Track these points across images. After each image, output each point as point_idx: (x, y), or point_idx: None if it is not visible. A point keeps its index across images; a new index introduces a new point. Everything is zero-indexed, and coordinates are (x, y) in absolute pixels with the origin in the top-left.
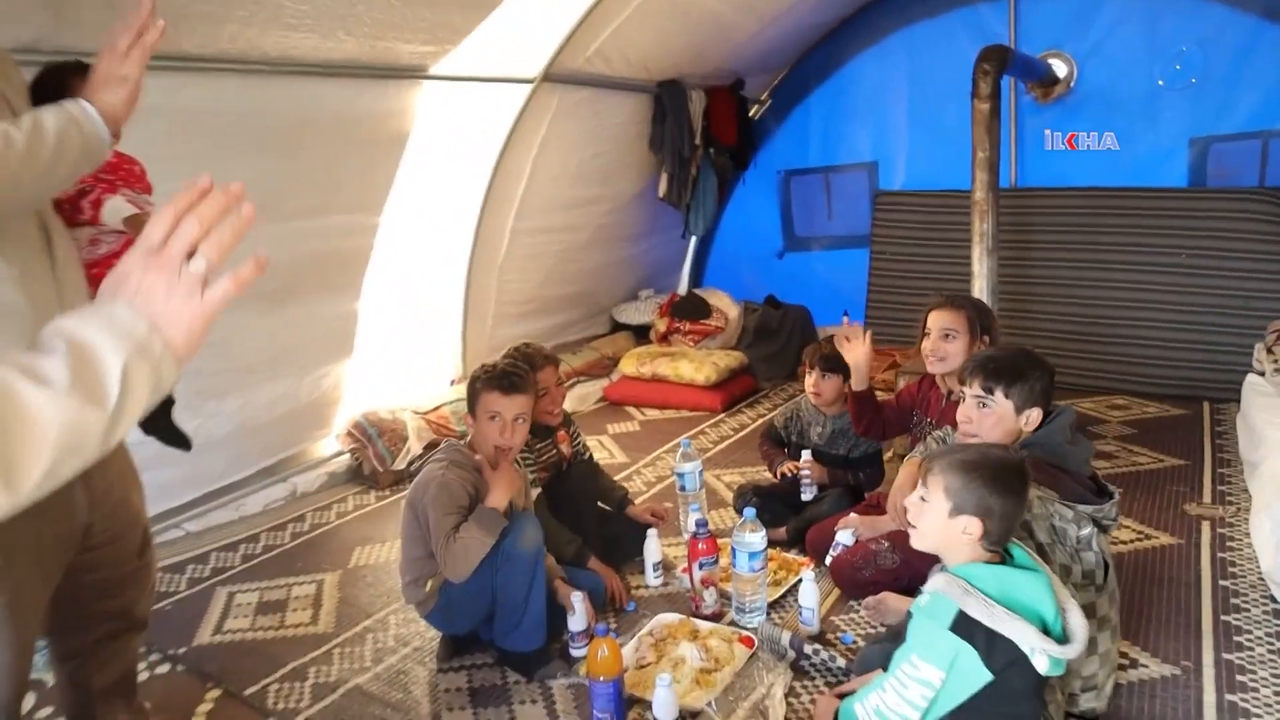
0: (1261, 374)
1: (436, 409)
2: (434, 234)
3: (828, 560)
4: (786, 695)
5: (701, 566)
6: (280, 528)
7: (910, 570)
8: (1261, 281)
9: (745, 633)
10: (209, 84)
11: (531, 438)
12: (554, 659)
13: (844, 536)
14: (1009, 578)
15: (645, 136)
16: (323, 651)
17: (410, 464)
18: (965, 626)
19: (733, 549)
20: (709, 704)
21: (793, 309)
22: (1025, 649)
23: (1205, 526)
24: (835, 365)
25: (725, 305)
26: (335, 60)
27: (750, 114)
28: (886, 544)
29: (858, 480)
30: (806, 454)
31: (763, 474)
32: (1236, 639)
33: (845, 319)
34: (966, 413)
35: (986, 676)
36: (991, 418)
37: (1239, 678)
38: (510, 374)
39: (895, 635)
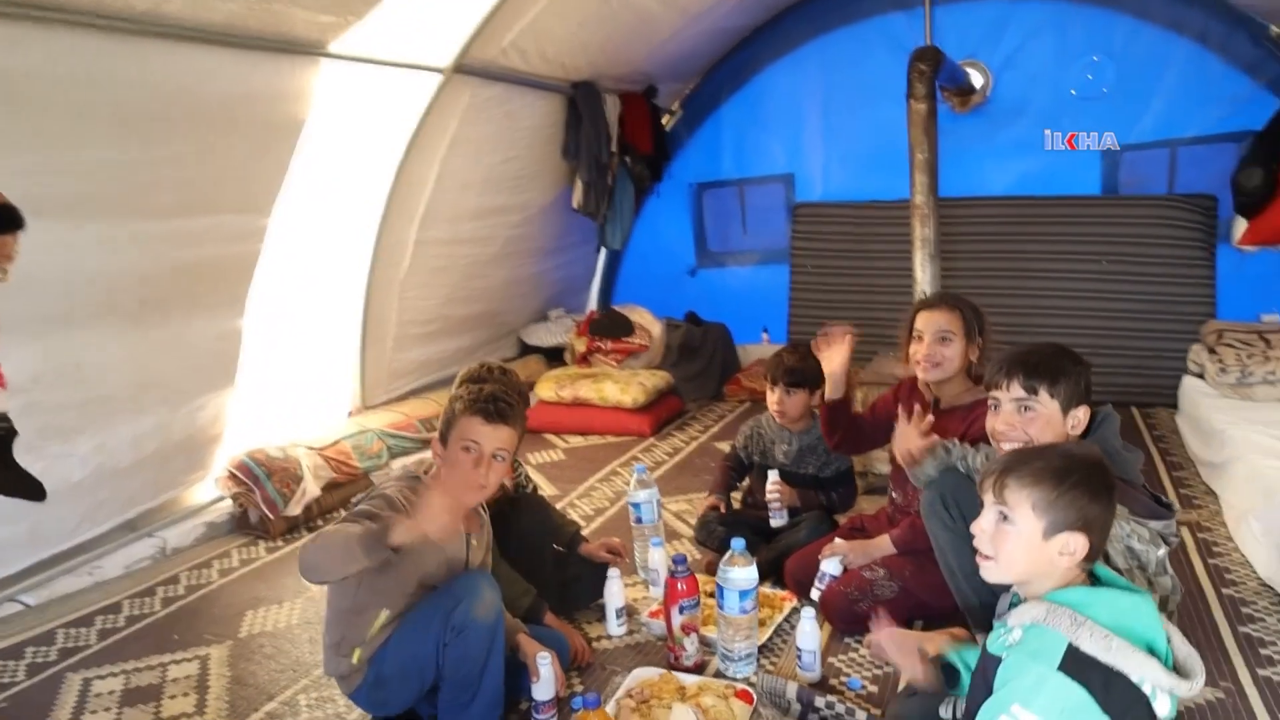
0: (1199, 375)
1: (334, 444)
2: (329, 242)
3: (814, 594)
4: None
5: (682, 610)
6: (148, 593)
7: (911, 599)
8: (1179, 286)
9: (740, 685)
10: (53, 41)
11: None
12: None
13: (830, 566)
14: (1120, 602)
15: (559, 142)
16: None
17: (307, 508)
18: (1077, 664)
19: (719, 588)
20: None
21: (713, 327)
22: (1146, 689)
23: (1185, 532)
24: (801, 379)
25: (648, 322)
26: (216, 25)
27: (663, 123)
28: (882, 571)
29: (830, 501)
30: (774, 474)
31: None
32: (1264, 652)
33: (765, 336)
34: (1008, 419)
35: None
36: (1038, 422)
37: None
38: (500, 399)
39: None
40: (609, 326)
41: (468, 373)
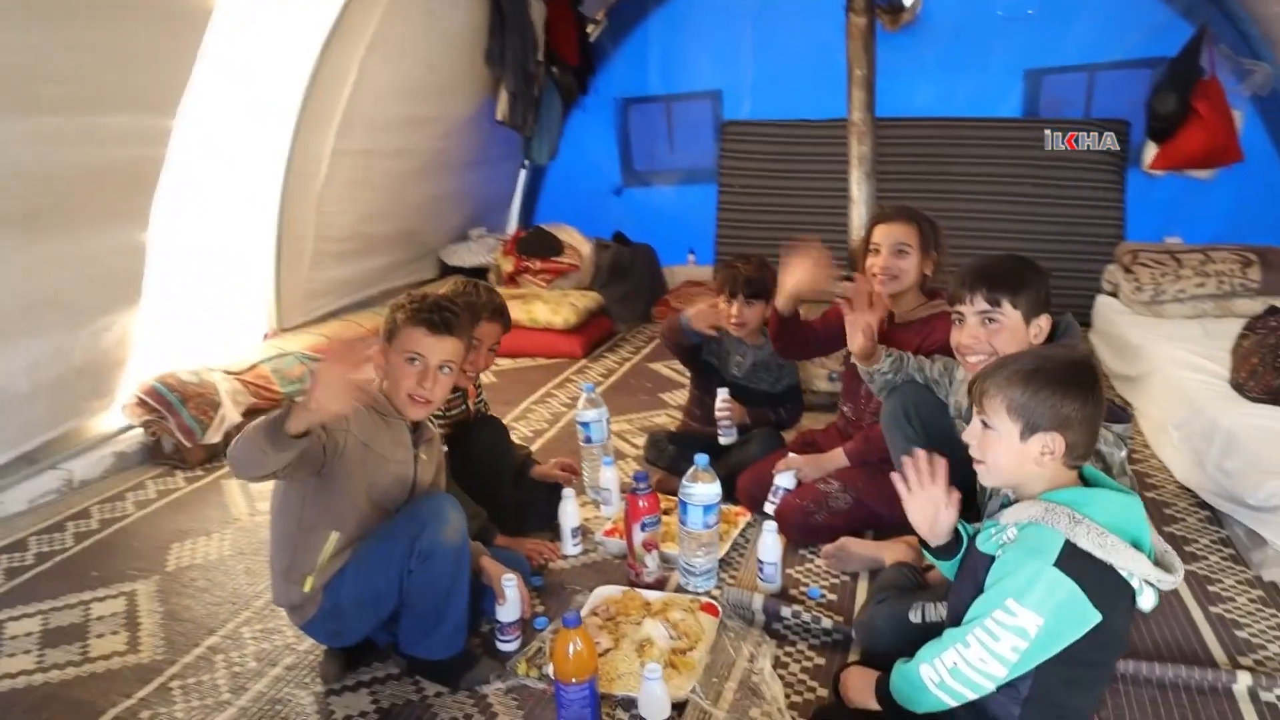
0: (1113, 294)
1: (252, 368)
2: (240, 150)
3: (767, 508)
4: (774, 667)
5: (644, 527)
6: (56, 529)
7: (864, 510)
8: (1092, 209)
9: (704, 599)
10: None
11: None
12: (480, 660)
13: (785, 480)
14: (1113, 501)
15: (481, 48)
16: (156, 688)
17: (227, 435)
18: (1072, 560)
19: (681, 503)
20: (694, 690)
21: (639, 248)
22: (1134, 583)
23: None
24: (760, 289)
25: (577, 242)
26: None
27: (588, 33)
28: (836, 484)
29: (779, 417)
30: (723, 392)
31: (658, 421)
32: (1188, 549)
33: (691, 258)
34: (973, 333)
35: (1095, 618)
36: (1003, 333)
37: (1210, 588)
38: (444, 309)
39: (901, 590)
40: (537, 246)
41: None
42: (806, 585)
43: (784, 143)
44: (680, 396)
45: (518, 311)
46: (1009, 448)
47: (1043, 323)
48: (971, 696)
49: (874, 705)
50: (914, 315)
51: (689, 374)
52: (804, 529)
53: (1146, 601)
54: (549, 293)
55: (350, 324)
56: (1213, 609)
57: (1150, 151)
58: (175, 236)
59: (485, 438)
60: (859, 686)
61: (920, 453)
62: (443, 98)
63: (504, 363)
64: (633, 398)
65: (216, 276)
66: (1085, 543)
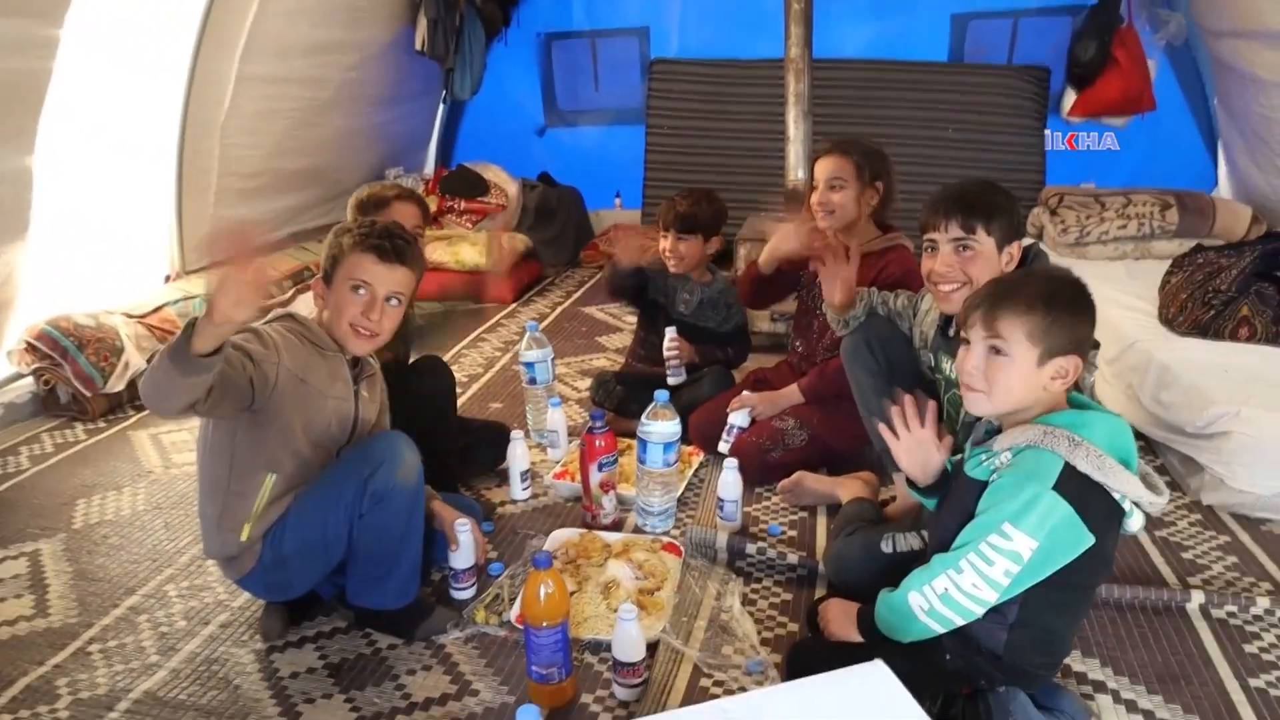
0: (1038, 237)
1: (156, 310)
2: (137, 68)
3: (722, 447)
4: (743, 604)
5: (601, 467)
6: None
7: (820, 446)
8: (1015, 154)
9: (665, 539)
10: None
11: None
12: (436, 609)
13: (739, 418)
14: (1108, 423)
15: None
16: (72, 654)
17: (131, 383)
18: (1069, 483)
19: (640, 441)
20: (664, 629)
21: (565, 190)
22: (1126, 505)
23: None
24: (694, 224)
25: (503, 181)
26: None
27: None
28: (792, 420)
29: (727, 356)
30: (671, 331)
31: (597, 364)
32: None
33: (618, 201)
34: (946, 260)
35: (1088, 541)
36: (978, 260)
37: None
38: (396, 236)
39: (867, 523)
40: (462, 185)
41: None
42: (765, 523)
43: (715, 82)
44: (617, 339)
45: (443, 254)
46: (1022, 374)
47: (1014, 249)
48: (960, 623)
49: (856, 637)
50: (868, 249)
51: (634, 314)
52: (761, 466)
53: (1135, 524)
54: (475, 234)
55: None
56: (1158, 533)
57: (1069, 98)
58: (66, 164)
59: (428, 379)
60: (839, 619)
61: (907, 397)
62: (358, 22)
63: (429, 307)
64: (569, 341)
65: (112, 211)
66: (1084, 465)
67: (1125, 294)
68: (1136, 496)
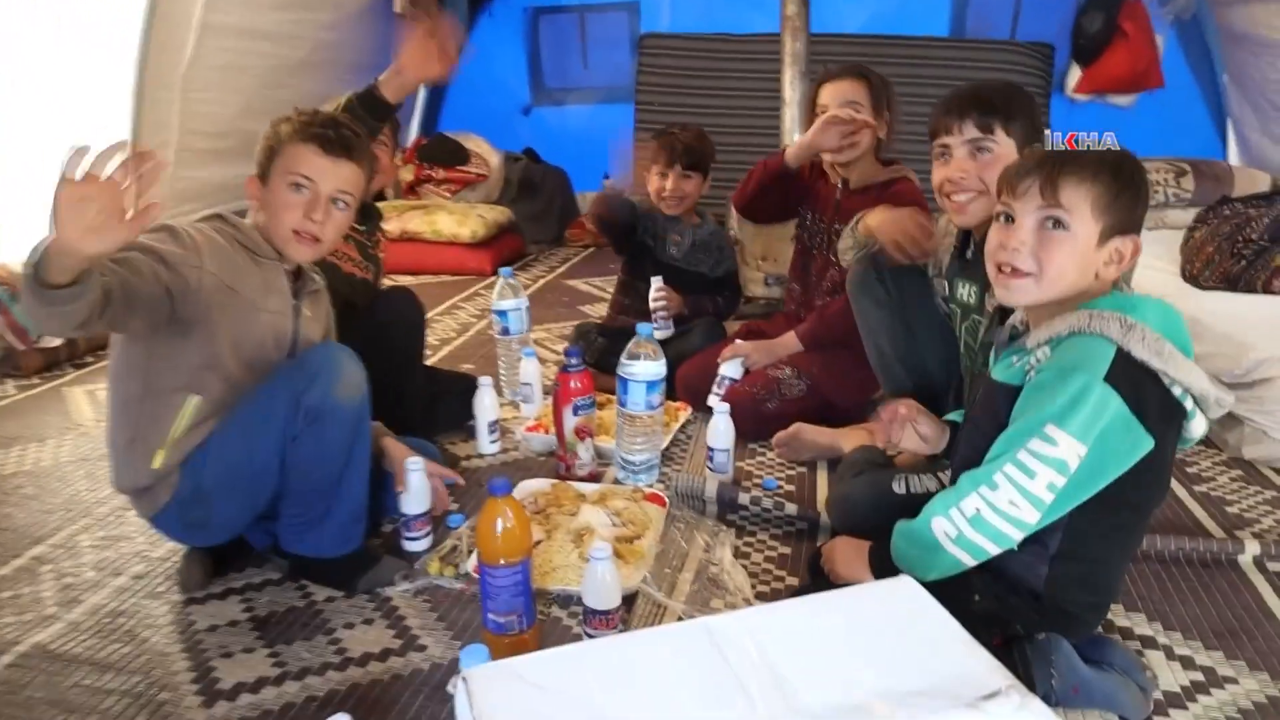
0: None
1: None
2: (85, 7)
3: (711, 400)
4: (735, 557)
5: (577, 411)
6: None
7: (819, 398)
8: None
9: (649, 489)
10: None
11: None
12: (382, 559)
13: (731, 369)
14: (1159, 307)
15: None
16: None
17: (71, 340)
18: (1124, 373)
19: (621, 381)
20: (645, 579)
21: (551, 169)
22: (1188, 405)
23: None
24: (699, 159)
25: (485, 151)
26: None
27: None
28: (788, 369)
29: (716, 306)
30: (657, 281)
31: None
32: None
33: (607, 183)
34: (961, 165)
35: (1147, 444)
36: (996, 165)
37: (1189, 470)
38: (339, 126)
39: (879, 466)
40: (441, 153)
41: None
42: (760, 477)
43: (707, 58)
44: (603, 309)
45: (419, 223)
46: (1081, 252)
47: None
48: (994, 551)
49: (867, 577)
50: (871, 180)
51: (619, 259)
52: (755, 417)
53: (1197, 428)
54: (454, 204)
55: None
56: (1197, 488)
57: (1074, 75)
58: (7, 108)
59: (396, 311)
60: (847, 558)
61: (887, 409)
62: None
63: (404, 279)
64: (550, 310)
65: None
66: (1140, 351)
67: (1146, 255)
68: (1201, 390)
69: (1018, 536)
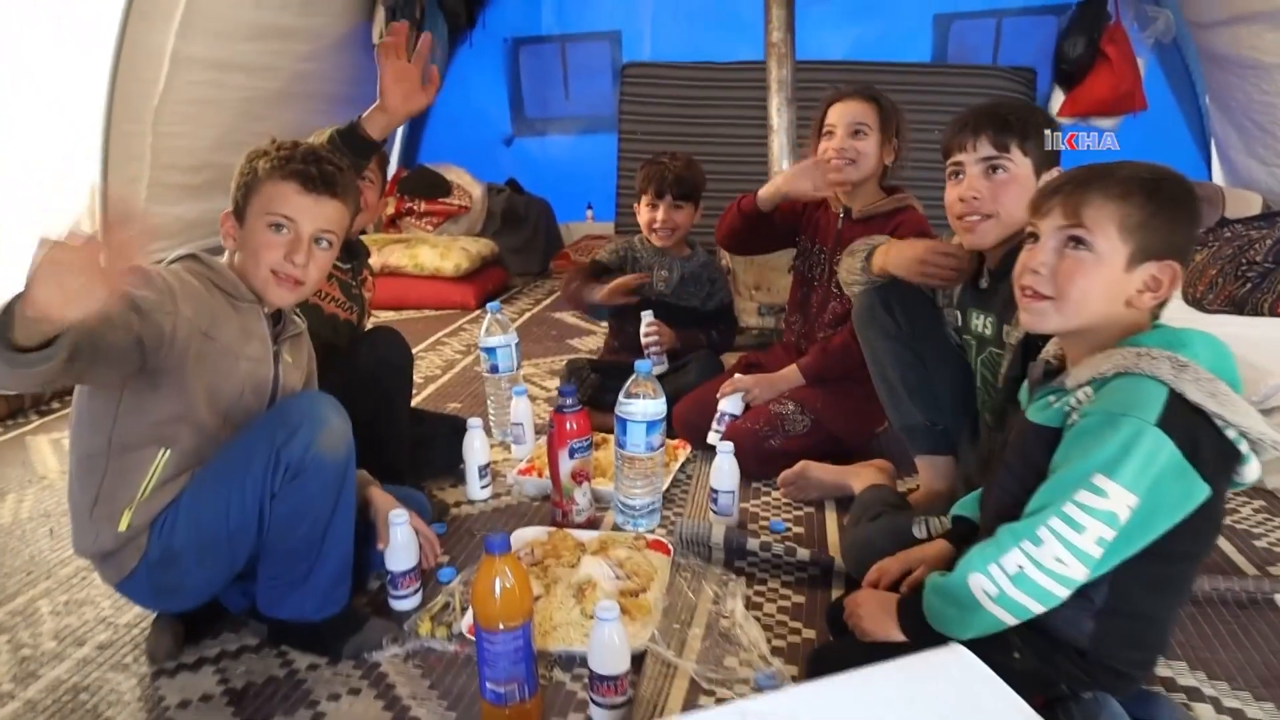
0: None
1: None
2: (52, 36)
3: (712, 438)
4: (746, 608)
5: (573, 454)
6: None
7: (823, 434)
8: None
9: (650, 536)
10: None
11: (339, 256)
12: (369, 621)
13: (731, 405)
14: (1210, 342)
15: None
16: None
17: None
18: (1179, 419)
19: (619, 421)
20: (653, 636)
21: (535, 200)
22: (1243, 448)
23: None
24: (691, 189)
25: (467, 183)
26: None
27: None
28: (791, 404)
29: (710, 340)
30: (647, 315)
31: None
32: None
33: (589, 214)
34: (974, 185)
35: (1202, 493)
36: (1012, 187)
37: None
38: (325, 161)
39: (895, 507)
40: (422, 185)
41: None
42: (766, 519)
43: (690, 86)
44: (591, 341)
45: (401, 257)
46: (1107, 277)
47: (1053, 177)
48: (1038, 610)
49: (896, 635)
50: (875, 209)
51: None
52: (758, 455)
53: (1252, 473)
54: (436, 237)
55: None
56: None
57: (1058, 99)
58: None
59: (381, 354)
60: (874, 613)
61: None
62: (309, 8)
63: (386, 315)
64: (538, 344)
65: (27, 199)
66: (1194, 394)
67: None
68: (1259, 433)
69: (1064, 594)
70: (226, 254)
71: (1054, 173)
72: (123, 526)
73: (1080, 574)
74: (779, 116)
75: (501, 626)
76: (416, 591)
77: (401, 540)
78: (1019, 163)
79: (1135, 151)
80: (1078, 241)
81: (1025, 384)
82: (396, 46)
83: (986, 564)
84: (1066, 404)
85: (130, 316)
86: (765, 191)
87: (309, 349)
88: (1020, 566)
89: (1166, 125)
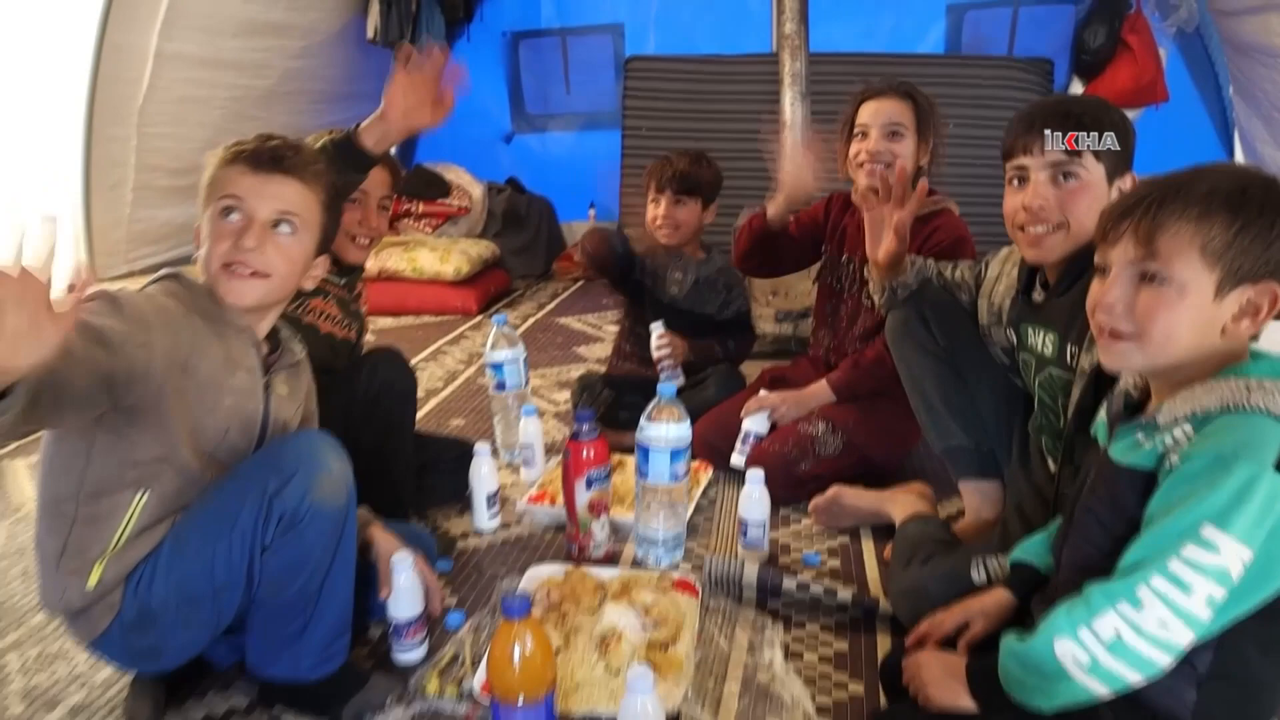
0: None
1: None
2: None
3: (736, 460)
4: (786, 658)
5: (591, 484)
6: None
7: (856, 456)
8: None
9: (676, 575)
10: None
11: (334, 270)
12: (371, 679)
13: (756, 424)
14: None
15: None
16: None
17: None
18: None
19: (641, 450)
20: (686, 695)
21: (536, 199)
22: None
23: None
24: (694, 185)
25: (467, 183)
26: None
27: None
28: (822, 424)
29: (727, 350)
30: (657, 327)
31: (575, 375)
32: None
33: (592, 212)
34: (1041, 193)
35: None
36: (1083, 195)
37: None
38: (273, 139)
39: (941, 544)
40: (420, 185)
41: None
42: (798, 551)
43: (696, 80)
44: (599, 349)
45: (399, 261)
46: (1193, 309)
47: (1126, 184)
48: (1138, 681)
49: (966, 704)
50: None
51: (617, 322)
52: (787, 481)
53: None
54: (435, 239)
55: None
56: None
57: (1077, 91)
58: None
59: (379, 374)
60: (940, 679)
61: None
62: (301, 2)
63: (384, 322)
64: (543, 353)
65: (7, 204)
66: None
67: None
68: None
69: (1167, 663)
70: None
71: (1127, 180)
72: (91, 583)
73: (1186, 640)
74: (792, 110)
75: (522, 700)
76: (423, 642)
77: (406, 586)
78: (1091, 168)
79: (1156, 144)
80: (1152, 275)
81: (1101, 417)
82: (413, 56)
83: (1077, 628)
84: (1160, 443)
85: (96, 352)
86: (773, 211)
87: (308, 380)
88: (1118, 632)
89: (1188, 117)
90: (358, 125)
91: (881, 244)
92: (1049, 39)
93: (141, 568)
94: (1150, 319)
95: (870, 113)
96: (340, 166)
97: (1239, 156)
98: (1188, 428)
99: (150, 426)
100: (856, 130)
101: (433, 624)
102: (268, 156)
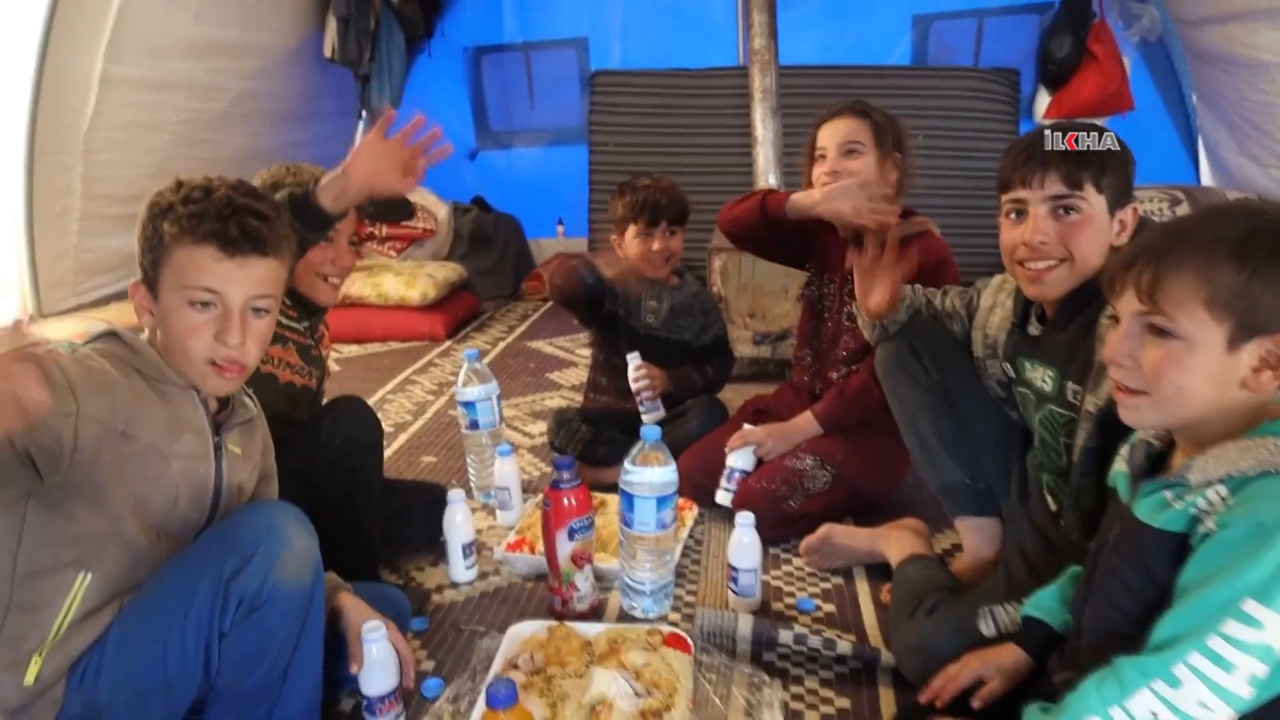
0: None
1: None
2: None
3: (721, 497)
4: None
5: (573, 535)
6: None
7: (845, 490)
8: (986, 161)
9: (666, 629)
10: None
11: (291, 310)
12: None
13: (741, 460)
14: None
15: None
16: None
17: None
18: None
19: (625, 497)
20: None
21: (503, 218)
22: None
23: None
24: (684, 214)
25: (431, 204)
26: None
27: None
28: (809, 458)
29: (706, 378)
30: (634, 359)
31: (551, 405)
32: None
33: (560, 229)
34: (1041, 228)
35: None
36: (1085, 229)
37: None
38: (242, 211)
39: (944, 591)
40: (384, 208)
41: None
42: (790, 595)
43: (663, 94)
44: (573, 374)
45: (362, 286)
46: (1205, 364)
47: (1128, 217)
48: None
49: None
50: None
51: (589, 346)
52: (775, 519)
53: None
54: (400, 263)
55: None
56: None
57: (1043, 101)
58: None
59: (347, 428)
60: None
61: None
62: (252, 21)
63: (349, 350)
64: (515, 380)
65: None
66: None
67: None
68: None
69: None
70: (147, 331)
71: (1128, 211)
72: (29, 679)
73: (1225, 718)
74: (764, 127)
75: None
76: (398, 716)
77: (378, 659)
78: (1092, 201)
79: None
80: (1159, 329)
81: (1121, 468)
82: (390, 121)
83: (1108, 706)
84: (1193, 505)
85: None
86: (799, 200)
87: (264, 437)
88: (1154, 714)
89: (1152, 125)
90: (316, 181)
91: (873, 296)
92: (1014, 49)
93: (86, 658)
94: (1159, 376)
95: (827, 135)
96: (298, 225)
97: (1203, 163)
98: (1223, 490)
99: (88, 500)
100: (817, 154)
101: (407, 696)
102: (244, 239)
